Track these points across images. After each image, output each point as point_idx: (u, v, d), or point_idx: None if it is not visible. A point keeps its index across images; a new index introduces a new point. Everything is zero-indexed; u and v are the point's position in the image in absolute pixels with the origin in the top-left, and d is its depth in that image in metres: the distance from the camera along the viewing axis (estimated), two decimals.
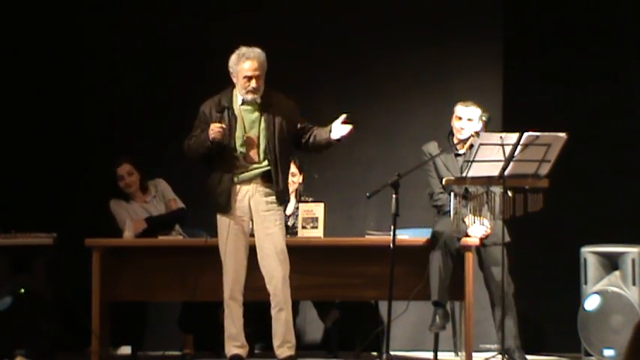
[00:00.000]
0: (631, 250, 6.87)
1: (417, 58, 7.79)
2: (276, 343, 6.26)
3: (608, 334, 6.81)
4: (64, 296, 7.09)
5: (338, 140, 6.27)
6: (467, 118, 6.71)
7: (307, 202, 7.00)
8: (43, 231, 6.98)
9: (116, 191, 7.15)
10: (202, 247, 6.52)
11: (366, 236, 6.87)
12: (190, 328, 7.11)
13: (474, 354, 6.60)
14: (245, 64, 6.21)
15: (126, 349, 7.34)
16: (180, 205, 7.19)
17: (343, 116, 6.21)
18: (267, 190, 6.27)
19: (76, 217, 7.48)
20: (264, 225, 6.25)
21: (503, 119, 7.55)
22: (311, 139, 6.33)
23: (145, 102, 7.79)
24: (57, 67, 7.79)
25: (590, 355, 6.87)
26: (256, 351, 7.17)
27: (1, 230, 6.97)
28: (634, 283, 6.82)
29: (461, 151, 6.76)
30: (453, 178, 6.49)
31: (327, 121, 7.78)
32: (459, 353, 6.95)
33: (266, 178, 6.27)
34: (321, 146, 6.36)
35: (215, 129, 6.16)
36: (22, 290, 6.87)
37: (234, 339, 6.29)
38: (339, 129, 6.22)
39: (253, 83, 6.21)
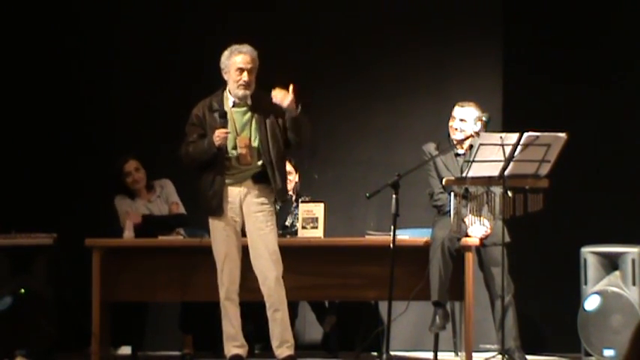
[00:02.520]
0: (631, 250, 6.87)
1: (417, 58, 7.79)
2: (274, 343, 6.25)
3: (608, 334, 6.80)
4: (64, 296, 7.10)
5: (290, 108, 6.14)
6: (459, 118, 6.71)
7: (307, 202, 7.00)
8: (43, 231, 6.98)
9: (122, 189, 7.16)
10: (202, 247, 6.52)
11: (366, 236, 6.87)
12: (190, 328, 7.11)
13: (473, 354, 6.60)
14: (237, 57, 6.23)
15: (126, 349, 7.33)
16: (182, 210, 7.18)
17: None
18: (259, 190, 6.26)
19: (76, 217, 7.48)
20: (256, 226, 6.25)
21: (503, 119, 7.55)
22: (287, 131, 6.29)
23: (144, 102, 7.78)
24: (56, 67, 7.79)
25: (590, 355, 6.87)
26: (256, 351, 7.17)
27: (1, 230, 6.97)
28: (634, 283, 6.82)
29: (460, 152, 6.76)
30: (453, 178, 6.49)
31: (328, 122, 7.81)
32: (459, 353, 6.95)
33: (257, 179, 6.26)
34: (291, 128, 6.23)
35: (221, 135, 6.15)
36: (22, 290, 6.87)
37: (233, 339, 6.29)
38: (276, 96, 6.17)
39: (245, 76, 6.21)
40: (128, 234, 6.83)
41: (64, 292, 7.14)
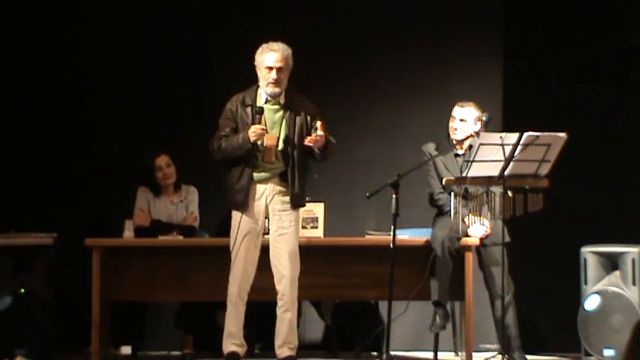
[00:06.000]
0: (631, 250, 6.87)
1: (417, 58, 7.79)
2: (277, 342, 6.26)
3: (608, 334, 6.81)
4: (64, 296, 7.10)
5: (315, 147, 6.20)
6: (459, 118, 6.71)
7: (307, 201, 6.99)
8: (43, 231, 6.98)
9: (149, 183, 7.14)
10: (202, 247, 6.52)
11: (366, 236, 6.87)
12: (190, 328, 7.11)
13: (473, 354, 6.60)
14: (268, 54, 6.22)
15: (126, 349, 7.33)
16: (196, 223, 7.13)
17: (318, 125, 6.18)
18: (285, 189, 6.25)
19: (76, 217, 7.48)
20: (279, 225, 6.24)
21: (503, 119, 7.55)
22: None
23: (145, 102, 7.78)
24: (57, 67, 7.78)
25: (590, 355, 6.87)
26: (256, 351, 7.18)
27: (1, 230, 6.97)
28: (634, 283, 6.82)
29: (460, 152, 6.76)
30: (452, 178, 6.49)
31: (327, 121, 7.80)
32: (459, 353, 6.95)
33: (283, 179, 6.25)
34: (320, 157, 6.30)
35: (257, 131, 6.13)
36: (22, 290, 6.87)
37: (233, 337, 6.28)
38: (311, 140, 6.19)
39: (273, 74, 6.18)
40: (128, 234, 6.82)
41: (64, 292, 7.13)
